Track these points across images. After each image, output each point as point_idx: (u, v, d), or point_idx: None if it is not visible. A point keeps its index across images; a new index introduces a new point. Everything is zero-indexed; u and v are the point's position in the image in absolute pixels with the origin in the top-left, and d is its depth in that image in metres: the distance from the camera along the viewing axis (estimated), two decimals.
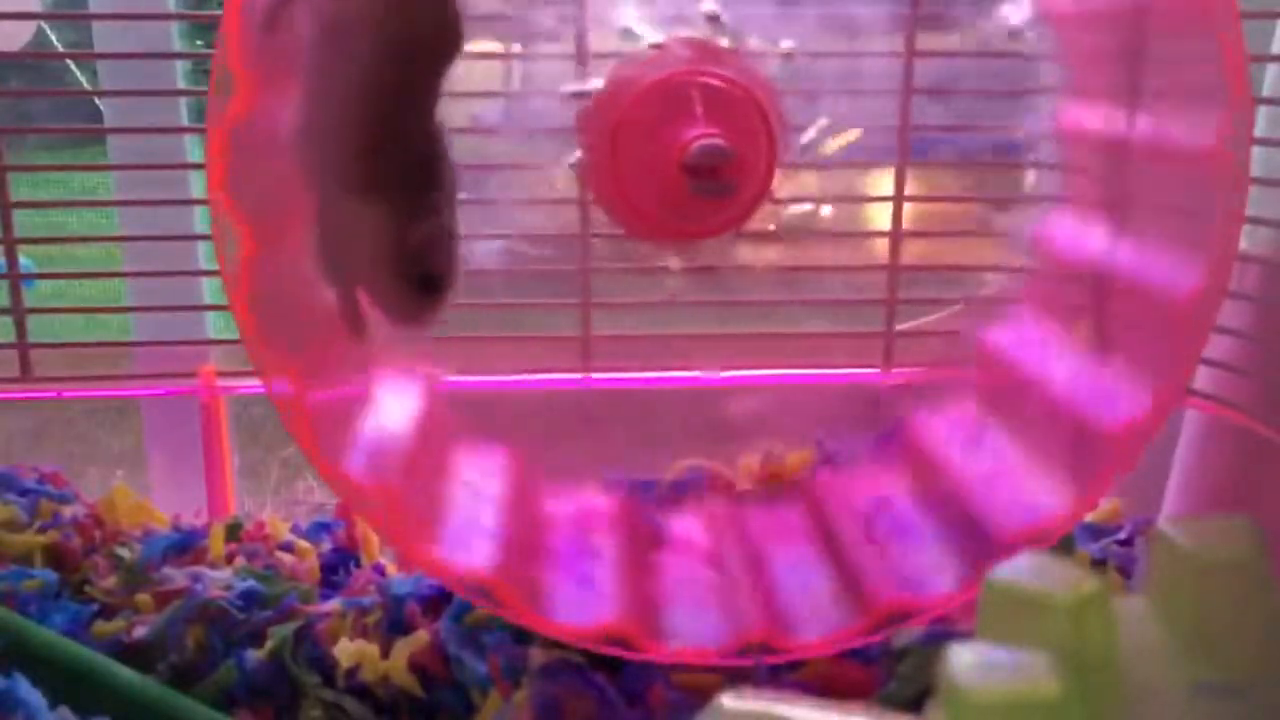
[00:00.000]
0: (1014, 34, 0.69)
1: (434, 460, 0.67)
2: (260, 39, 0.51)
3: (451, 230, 0.51)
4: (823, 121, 0.69)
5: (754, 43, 0.66)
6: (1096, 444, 0.58)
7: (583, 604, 0.61)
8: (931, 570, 0.62)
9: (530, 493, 0.70)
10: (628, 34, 0.65)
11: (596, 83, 0.65)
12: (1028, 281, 0.72)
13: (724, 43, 0.65)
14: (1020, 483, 0.62)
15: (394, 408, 0.65)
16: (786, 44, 0.67)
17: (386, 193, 0.50)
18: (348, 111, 0.49)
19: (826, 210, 0.73)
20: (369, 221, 0.50)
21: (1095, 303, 0.66)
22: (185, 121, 0.76)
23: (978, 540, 0.61)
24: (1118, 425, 0.57)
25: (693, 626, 0.62)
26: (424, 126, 0.51)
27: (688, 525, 0.72)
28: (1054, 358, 0.65)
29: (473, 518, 0.63)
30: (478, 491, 0.66)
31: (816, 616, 0.62)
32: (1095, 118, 0.67)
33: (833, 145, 0.70)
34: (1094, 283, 0.66)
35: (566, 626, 0.59)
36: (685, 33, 0.64)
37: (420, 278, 0.51)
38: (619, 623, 0.59)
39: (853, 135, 0.70)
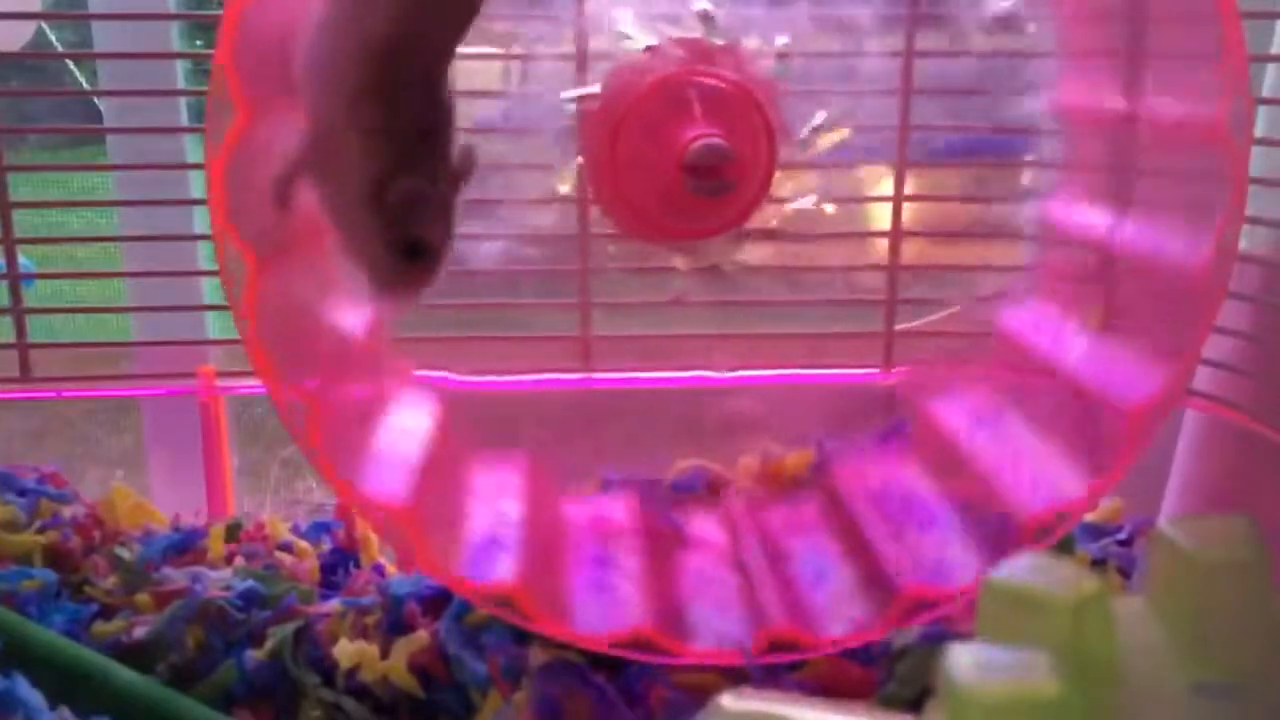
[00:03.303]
0: (1010, 20, 0.69)
1: (449, 471, 0.67)
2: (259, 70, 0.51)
3: (445, 201, 0.49)
4: (817, 118, 0.69)
5: (752, 42, 0.66)
6: (1111, 425, 0.58)
7: (606, 610, 0.61)
8: (953, 558, 0.62)
9: (547, 500, 0.70)
10: (627, 34, 0.65)
11: (596, 84, 0.65)
12: (1036, 268, 0.72)
13: (721, 42, 0.65)
14: (1037, 468, 0.62)
15: (406, 419, 0.65)
16: (782, 43, 0.67)
17: (380, 141, 0.47)
18: (358, 46, 0.47)
19: (830, 209, 0.73)
20: (358, 170, 0.47)
21: (1104, 285, 0.66)
22: (185, 121, 0.76)
23: (996, 527, 0.61)
24: (1131, 405, 0.57)
25: (716, 627, 0.62)
26: (432, 87, 0.48)
27: (705, 525, 0.72)
28: (1065, 342, 0.65)
29: (491, 529, 0.63)
30: (495, 501, 0.66)
31: (839, 610, 0.62)
32: (1095, 96, 0.67)
33: (824, 143, 0.70)
34: (1101, 264, 0.66)
35: (591, 634, 0.59)
36: (684, 33, 0.64)
37: (403, 242, 0.48)
38: (643, 627, 0.59)
39: (843, 134, 0.70)
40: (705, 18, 0.65)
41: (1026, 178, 0.75)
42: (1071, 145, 0.70)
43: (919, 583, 0.60)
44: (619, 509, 0.71)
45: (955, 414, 0.70)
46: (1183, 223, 0.58)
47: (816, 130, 0.69)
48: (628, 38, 0.65)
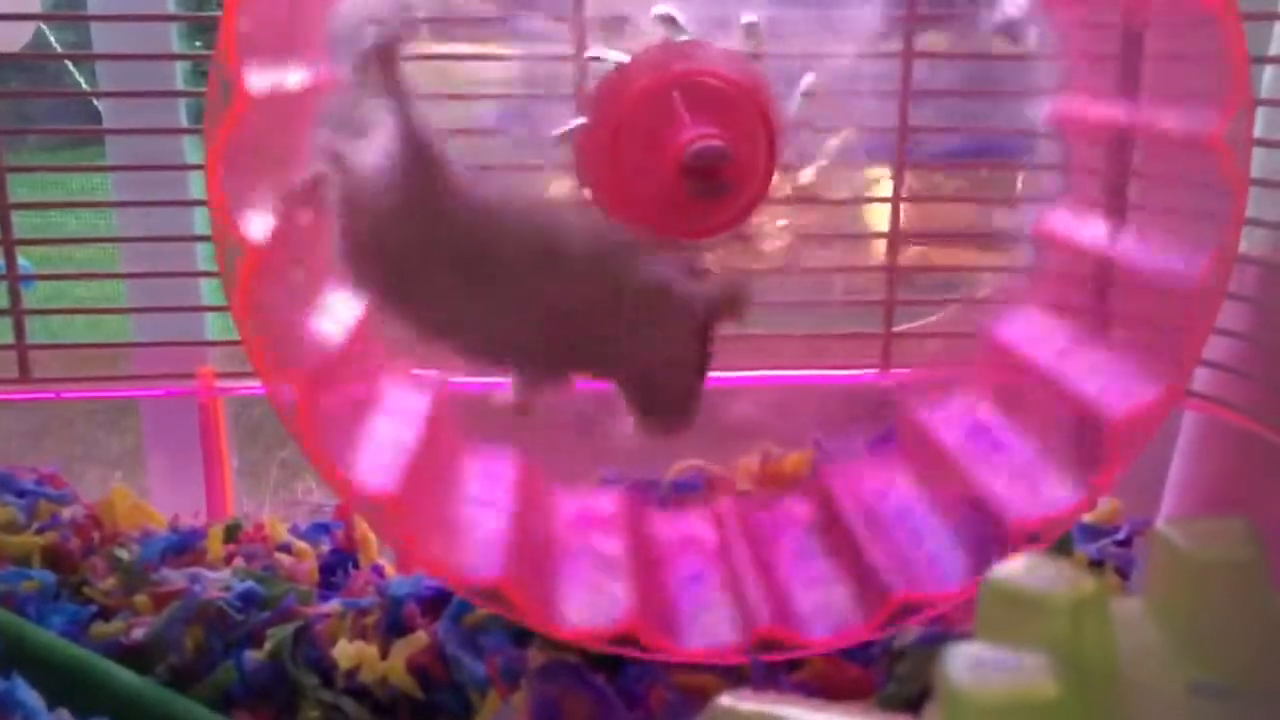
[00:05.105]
0: (1012, 27, 0.69)
1: (441, 464, 0.67)
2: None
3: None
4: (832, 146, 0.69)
5: (753, 44, 0.66)
6: (1102, 436, 0.58)
7: (594, 605, 0.61)
8: (941, 565, 0.62)
9: (538, 495, 0.70)
10: (627, 32, 0.65)
11: (595, 83, 0.65)
12: (1031, 276, 0.72)
13: (722, 43, 0.65)
14: (1027, 476, 0.62)
15: (401, 412, 0.65)
16: (782, 44, 0.67)
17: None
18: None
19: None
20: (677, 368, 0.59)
21: (1098, 296, 0.66)
22: (185, 122, 0.76)
23: (986, 534, 0.61)
24: (1122, 416, 0.57)
25: (703, 625, 0.62)
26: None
27: (695, 523, 0.72)
28: (1059, 351, 0.65)
29: (481, 521, 0.63)
30: (486, 495, 0.66)
31: (826, 612, 0.62)
32: (1095, 109, 0.67)
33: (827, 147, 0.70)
34: (1097, 276, 0.66)
35: (578, 628, 0.59)
36: (685, 34, 0.64)
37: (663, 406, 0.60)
38: (630, 623, 0.59)
39: (844, 134, 0.70)
40: (713, 19, 0.65)
41: (1024, 184, 0.75)
42: (1070, 156, 0.71)
43: (906, 587, 0.60)
44: (611, 506, 0.71)
45: (948, 419, 0.70)
46: (1180, 239, 0.58)
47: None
48: (629, 35, 0.65)
